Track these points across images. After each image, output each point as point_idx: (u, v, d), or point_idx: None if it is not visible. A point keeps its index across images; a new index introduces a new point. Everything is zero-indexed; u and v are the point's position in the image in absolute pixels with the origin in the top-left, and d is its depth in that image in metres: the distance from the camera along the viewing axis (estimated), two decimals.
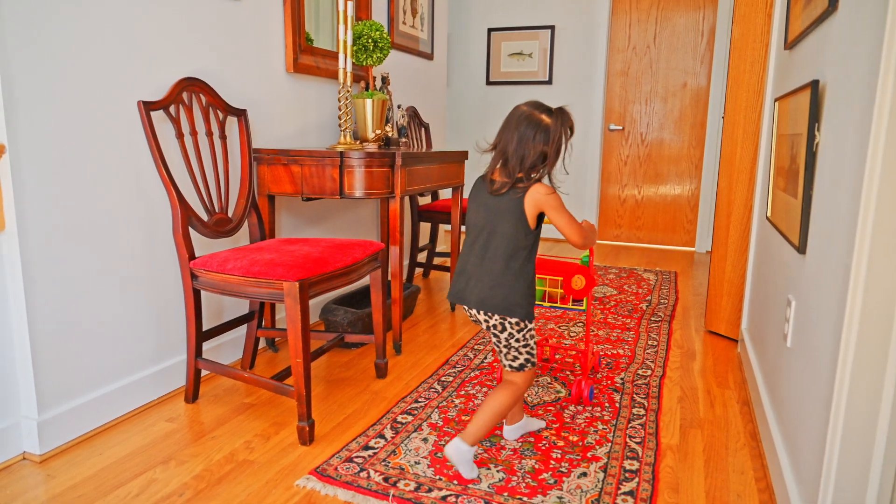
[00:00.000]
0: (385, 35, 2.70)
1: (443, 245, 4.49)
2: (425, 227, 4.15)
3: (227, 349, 2.30)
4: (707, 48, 4.73)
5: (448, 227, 5.02)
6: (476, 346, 2.53)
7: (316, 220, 2.84)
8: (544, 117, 1.46)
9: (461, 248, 1.62)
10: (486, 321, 1.52)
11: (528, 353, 1.55)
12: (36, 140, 1.59)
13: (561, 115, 1.47)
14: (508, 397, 1.54)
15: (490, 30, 5.19)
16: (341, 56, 2.42)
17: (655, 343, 2.61)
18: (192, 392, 1.97)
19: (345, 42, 2.40)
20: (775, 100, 1.98)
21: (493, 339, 1.56)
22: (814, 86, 1.37)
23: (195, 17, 2.06)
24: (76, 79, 1.68)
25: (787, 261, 1.66)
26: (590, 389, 2.01)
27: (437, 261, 4.13)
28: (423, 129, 3.71)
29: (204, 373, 2.19)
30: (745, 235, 2.58)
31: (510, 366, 1.56)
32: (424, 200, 3.75)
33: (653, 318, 2.98)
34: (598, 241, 5.27)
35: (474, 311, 1.53)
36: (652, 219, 5.09)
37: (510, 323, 1.50)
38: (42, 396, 1.65)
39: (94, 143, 1.74)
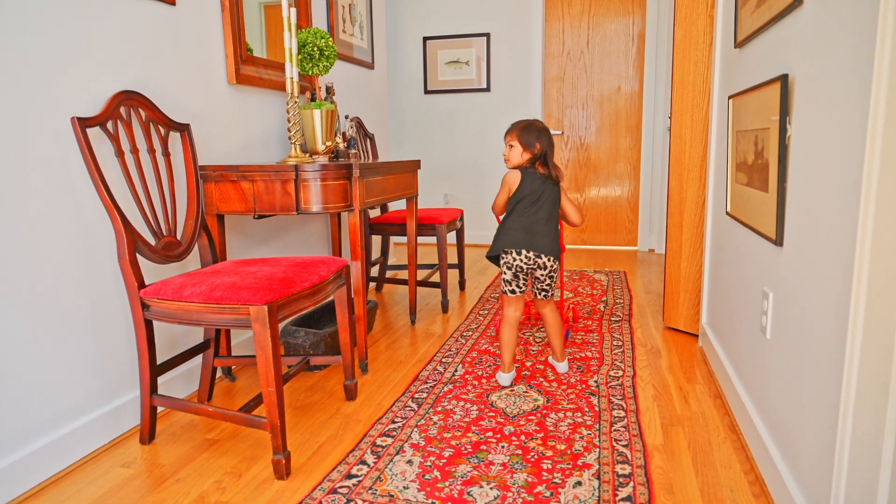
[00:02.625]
0: (331, 43, 2.61)
1: (394, 257, 4.39)
2: (376, 241, 4.05)
3: (179, 382, 2.14)
4: (638, 52, 4.87)
5: (402, 238, 4.92)
6: (444, 360, 2.46)
7: (266, 239, 2.70)
8: (544, 128, 2.19)
9: (513, 215, 2.14)
10: (551, 265, 2.14)
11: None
12: None
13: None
14: (559, 315, 2.29)
15: (425, 38, 5.16)
16: (288, 65, 2.31)
17: (620, 343, 2.63)
18: (148, 432, 1.81)
19: (290, 50, 2.30)
20: (729, 97, 2.03)
21: (546, 280, 2.17)
22: (783, 80, 1.39)
23: (129, 26, 1.91)
24: None
25: (759, 254, 1.69)
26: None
27: (389, 274, 4.04)
28: (368, 140, 3.62)
29: (159, 409, 2.01)
30: (700, 232, 2.64)
31: (552, 295, 2.23)
32: (374, 213, 3.65)
33: (612, 319, 3.00)
34: None
35: (544, 258, 2.11)
36: (595, 221, 5.18)
37: (557, 262, 2.17)
38: None
39: (19, 167, 1.57)
